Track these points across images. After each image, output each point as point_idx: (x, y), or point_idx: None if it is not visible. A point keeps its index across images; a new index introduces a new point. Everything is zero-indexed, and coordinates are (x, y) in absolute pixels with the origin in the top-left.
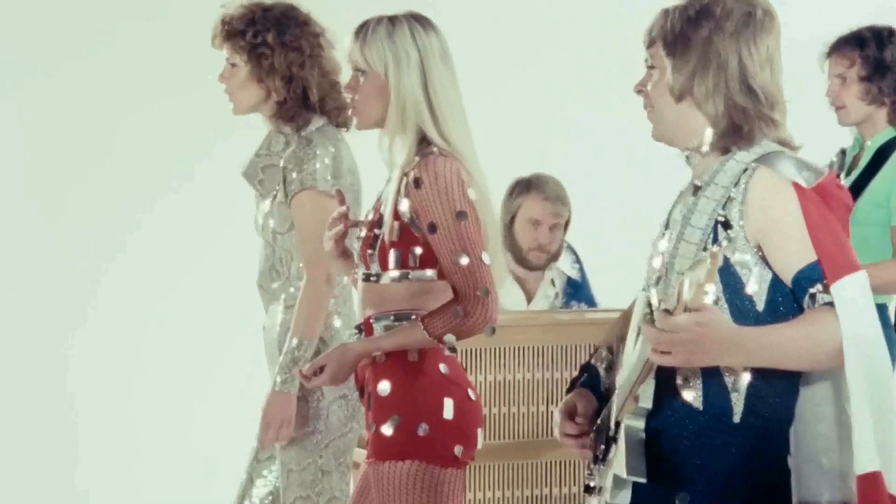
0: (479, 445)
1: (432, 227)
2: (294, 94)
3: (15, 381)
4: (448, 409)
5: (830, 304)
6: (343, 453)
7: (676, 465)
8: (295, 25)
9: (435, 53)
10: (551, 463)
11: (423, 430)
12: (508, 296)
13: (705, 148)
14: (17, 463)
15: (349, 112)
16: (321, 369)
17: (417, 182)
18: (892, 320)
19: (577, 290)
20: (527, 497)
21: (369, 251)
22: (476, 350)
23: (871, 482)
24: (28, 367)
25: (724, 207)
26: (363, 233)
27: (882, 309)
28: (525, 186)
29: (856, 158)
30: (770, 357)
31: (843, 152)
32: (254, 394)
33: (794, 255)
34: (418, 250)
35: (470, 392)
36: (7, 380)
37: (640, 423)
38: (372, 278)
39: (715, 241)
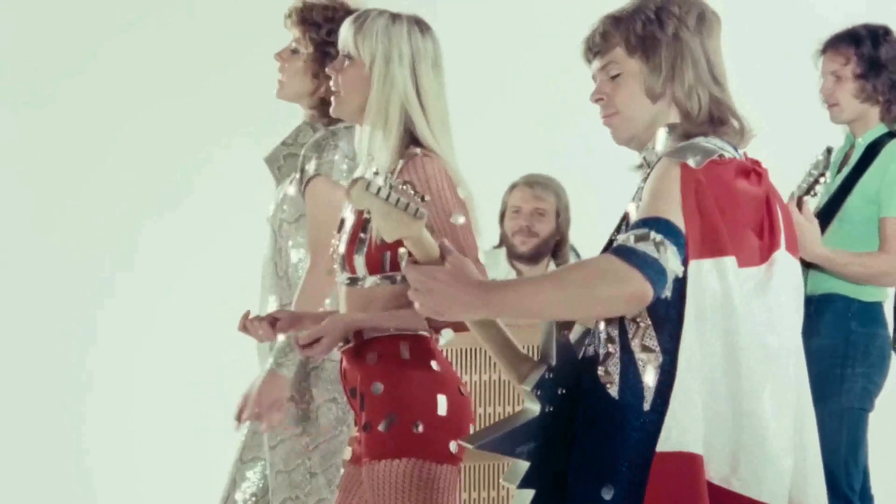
0: None
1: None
2: None
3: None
4: (442, 405)
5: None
6: (332, 455)
7: (600, 459)
8: None
9: (427, 59)
10: None
11: (418, 427)
12: None
13: (660, 147)
14: (22, 464)
15: (331, 98)
16: (318, 340)
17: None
18: (889, 318)
19: None
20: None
21: (356, 255)
22: (470, 350)
23: (687, 462)
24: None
25: (633, 199)
26: (343, 238)
27: (877, 307)
28: (514, 185)
29: (847, 155)
30: (521, 310)
31: (828, 151)
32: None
33: (642, 210)
34: (403, 251)
35: (461, 388)
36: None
37: (536, 407)
38: (359, 283)
39: (619, 229)
